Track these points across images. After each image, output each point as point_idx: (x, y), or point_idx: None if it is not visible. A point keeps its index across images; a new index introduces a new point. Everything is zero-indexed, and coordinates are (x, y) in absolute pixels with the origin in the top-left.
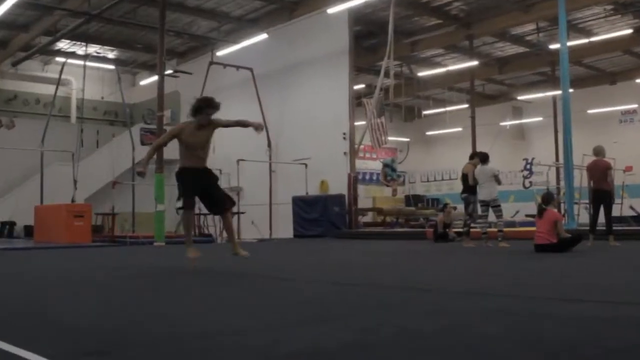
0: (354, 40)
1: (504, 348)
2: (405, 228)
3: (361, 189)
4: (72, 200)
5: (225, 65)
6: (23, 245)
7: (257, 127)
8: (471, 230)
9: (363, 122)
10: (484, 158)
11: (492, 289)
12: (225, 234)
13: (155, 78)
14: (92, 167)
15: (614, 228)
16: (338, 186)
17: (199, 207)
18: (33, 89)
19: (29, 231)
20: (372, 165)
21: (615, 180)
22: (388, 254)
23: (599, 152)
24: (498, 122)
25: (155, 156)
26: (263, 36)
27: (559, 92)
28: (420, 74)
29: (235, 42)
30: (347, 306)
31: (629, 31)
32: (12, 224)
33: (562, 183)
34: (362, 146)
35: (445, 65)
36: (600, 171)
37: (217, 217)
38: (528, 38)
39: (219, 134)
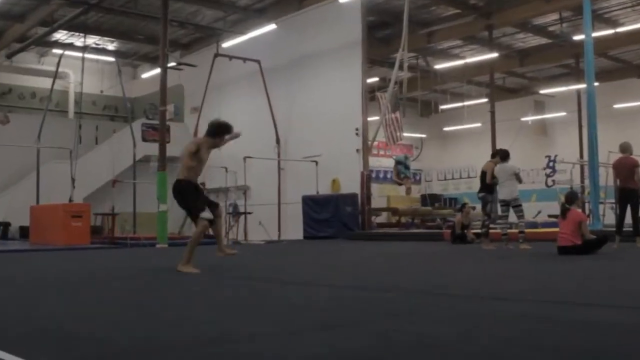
0: (367, 31)
1: (526, 355)
2: (421, 229)
3: (375, 187)
4: (70, 200)
5: (231, 58)
6: (18, 247)
7: (234, 137)
8: (490, 231)
9: (377, 118)
10: (504, 155)
11: (513, 293)
12: (230, 236)
13: (157, 71)
14: (90, 164)
15: None
16: (350, 185)
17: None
18: (29, 82)
19: (24, 232)
20: (386, 162)
21: None
22: (403, 256)
23: (625, 148)
24: (519, 117)
25: (158, 153)
26: (271, 27)
27: (583, 86)
28: (437, 66)
29: (241, 33)
30: (361, 311)
31: None
32: (6, 224)
33: (587, 181)
34: (375, 143)
35: (463, 58)
36: (627, 169)
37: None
38: (551, 29)
39: None
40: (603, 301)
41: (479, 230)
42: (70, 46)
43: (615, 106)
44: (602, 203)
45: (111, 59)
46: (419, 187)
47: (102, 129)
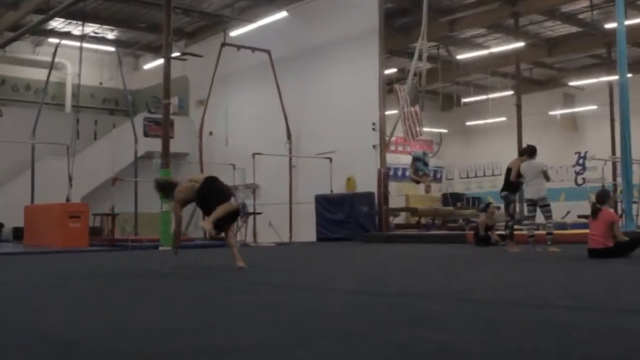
0: (384, 19)
1: None
2: (442, 231)
3: (393, 186)
4: (67, 199)
5: (239, 47)
6: (11, 249)
7: None
8: (515, 232)
9: (395, 111)
10: (531, 151)
11: (541, 299)
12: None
13: (160, 61)
14: (89, 161)
15: None
16: (366, 183)
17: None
18: (23, 73)
19: (18, 234)
20: (404, 159)
21: None
22: (423, 259)
23: None
24: (547, 111)
25: (161, 149)
26: (282, 14)
27: (615, 77)
28: (460, 56)
29: (250, 21)
30: (378, 319)
31: None
32: None
33: (619, 179)
34: (393, 138)
35: (487, 47)
36: None
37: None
38: (581, 16)
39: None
40: (637, 307)
41: (503, 232)
42: (67, 35)
43: None
44: (635, 202)
45: (111, 48)
46: (440, 186)
47: (102, 124)
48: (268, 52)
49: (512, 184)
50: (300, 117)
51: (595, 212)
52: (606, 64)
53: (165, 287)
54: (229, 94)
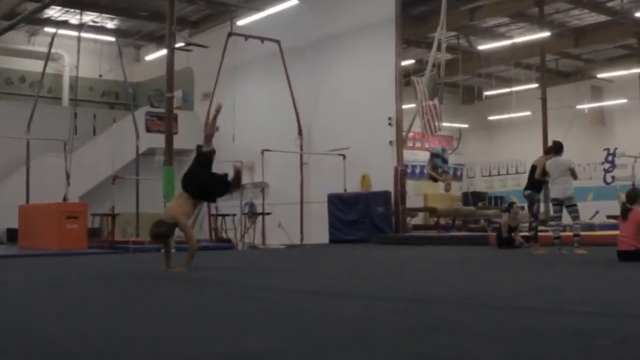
0: (401, 7)
1: None
2: (463, 232)
3: (410, 184)
4: (64, 199)
5: (247, 37)
6: (5, 252)
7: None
8: (540, 234)
9: (412, 105)
10: (557, 148)
11: (568, 305)
12: (245, 239)
13: (163, 52)
14: (87, 158)
15: None
16: (382, 181)
17: (216, 206)
18: (17, 65)
19: (12, 235)
20: (422, 156)
21: None
22: (442, 262)
23: None
24: (574, 104)
25: (164, 145)
26: (293, 2)
27: None
28: (481, 47)
29: (259, 9)
30: (393, 326)
31: None
32: None
33: None
34: (411, 134)
35: (510, 37)
36: None
37: (236, 219)
38: (610, 4)
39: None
40: None
41: (527, 233)
42: (65, 24)
43: None
44: None
45: (111, 38)
46: (461, 184)
47: (101, 118)
48: (278, 42)
49: (536, 182)
50: (312, 111)
51: (625, 212)
52: (636, 55)
53: (171, 291)
54: (236, 87)
